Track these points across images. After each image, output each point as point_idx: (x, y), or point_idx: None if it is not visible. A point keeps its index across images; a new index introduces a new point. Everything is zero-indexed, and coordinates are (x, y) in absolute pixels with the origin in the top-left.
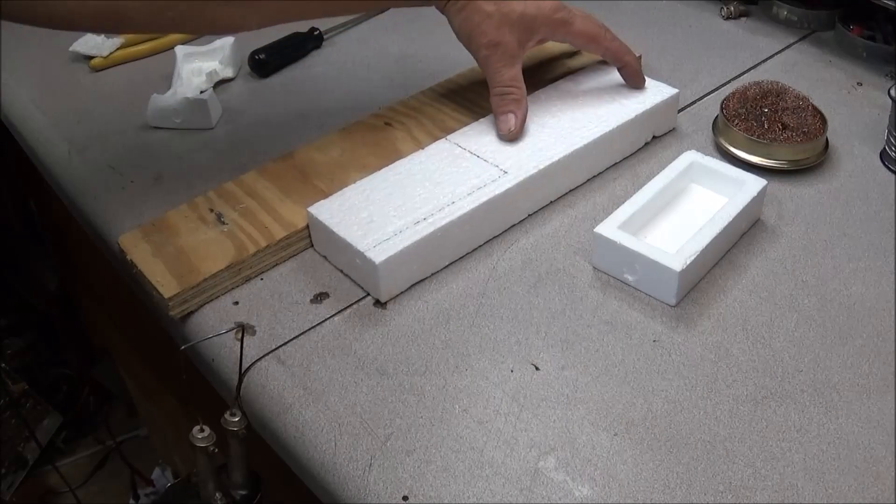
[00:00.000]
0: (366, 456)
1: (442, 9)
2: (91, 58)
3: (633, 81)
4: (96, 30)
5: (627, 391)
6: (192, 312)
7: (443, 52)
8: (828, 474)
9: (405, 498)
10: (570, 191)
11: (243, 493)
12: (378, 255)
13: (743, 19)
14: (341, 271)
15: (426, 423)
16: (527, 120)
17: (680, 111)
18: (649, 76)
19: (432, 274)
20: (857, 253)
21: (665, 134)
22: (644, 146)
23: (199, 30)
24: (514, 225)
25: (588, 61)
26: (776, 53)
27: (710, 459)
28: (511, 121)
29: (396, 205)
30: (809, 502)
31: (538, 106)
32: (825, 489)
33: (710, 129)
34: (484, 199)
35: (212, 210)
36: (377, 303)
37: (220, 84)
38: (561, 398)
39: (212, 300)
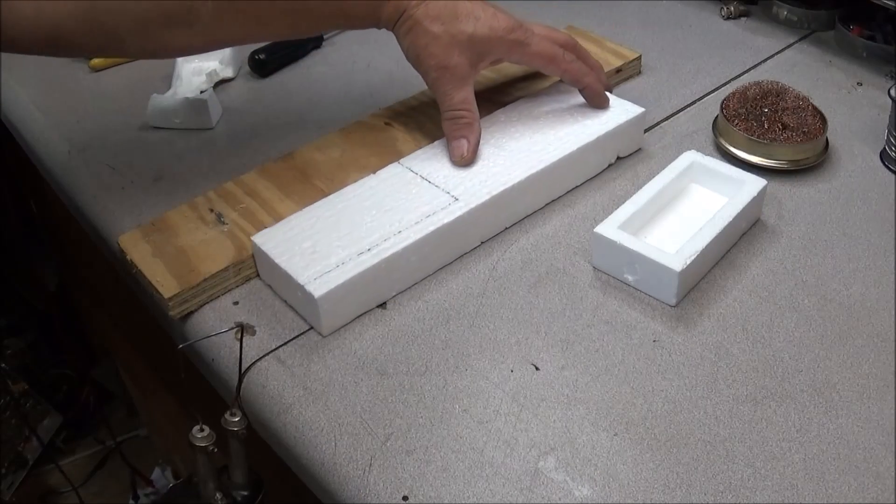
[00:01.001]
0: (366, 456)
1: (391, 30)
2: (91, 58)
3: (596, 102)
4: (43, 53)
5: (627, 391)
6: (192, 312)
7: None
8: (828, 474)
9: (405, 498)
10: (565, 192)
11: (245, 493)
12: (318, 289)
13: (743, 19)
14: (285, 302)
15: (426, 423)
16: (484, 142)
17: (680, 111)
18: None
19: (377, 306)
20: (857, 253)
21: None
22: (638, 152)
23: (144, 55)
24: (465, 253)
25: (552, 79)
26: (776, 53)
27: (710, 459)
28: (463, 146)
29: (342, 234)
30: (809, 502)
31: (496, 127)
32: (825, 489)
33: (710, 129)
34: (432, 227)
35: (212, 210)
36: (379, 304)
37: (220, 84)
38: (561, 398)
39: (212, 300)
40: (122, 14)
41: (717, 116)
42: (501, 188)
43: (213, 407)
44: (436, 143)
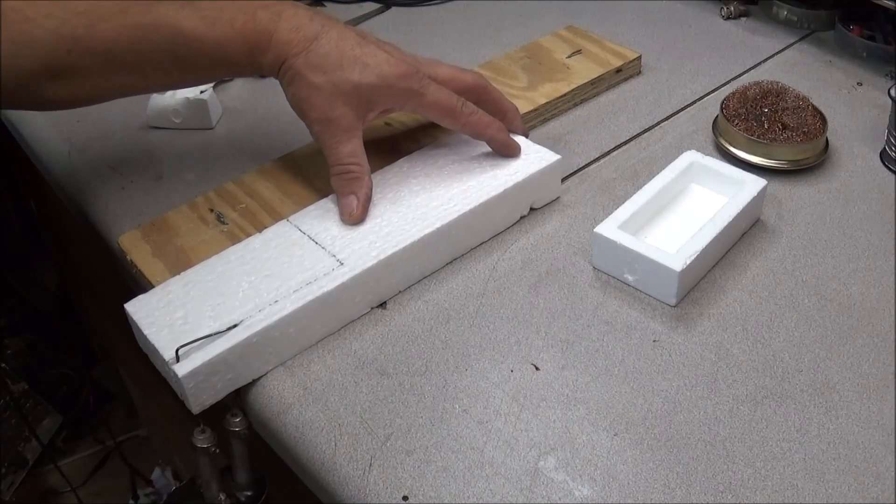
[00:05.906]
0: (366, 456)
1: (276, 78)
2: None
3: (505, 152)
4: None
5: (627, 391)
6: None
7: (442, 53)
8: (828, 474)
9: (405, 498)
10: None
11: (248, 493)
12: (182, 367)
13: (743, 19)
14: (161, 373)
15: (426, 423)
16: (381, 196)
17: (680, 111)
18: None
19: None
20: (857, 253)
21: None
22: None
23: (35, 108)
24: (352, 320)
25: None
26: (776, 53)
27: (710, 459)
28: (352, 203)
29: (216, 303)
30: (809, 502)
31: (397, 179)
32: (825, 489)
33: (710, 129)
34: (310, 297)
35: (212, 210)
36: (379, 304)
37: (220, 84)
38: (561, 398)
39: None
40: (7, 71)
41: (717, 116)
42: (391, 251)
43: (213, 407)
44: (330, 197)
